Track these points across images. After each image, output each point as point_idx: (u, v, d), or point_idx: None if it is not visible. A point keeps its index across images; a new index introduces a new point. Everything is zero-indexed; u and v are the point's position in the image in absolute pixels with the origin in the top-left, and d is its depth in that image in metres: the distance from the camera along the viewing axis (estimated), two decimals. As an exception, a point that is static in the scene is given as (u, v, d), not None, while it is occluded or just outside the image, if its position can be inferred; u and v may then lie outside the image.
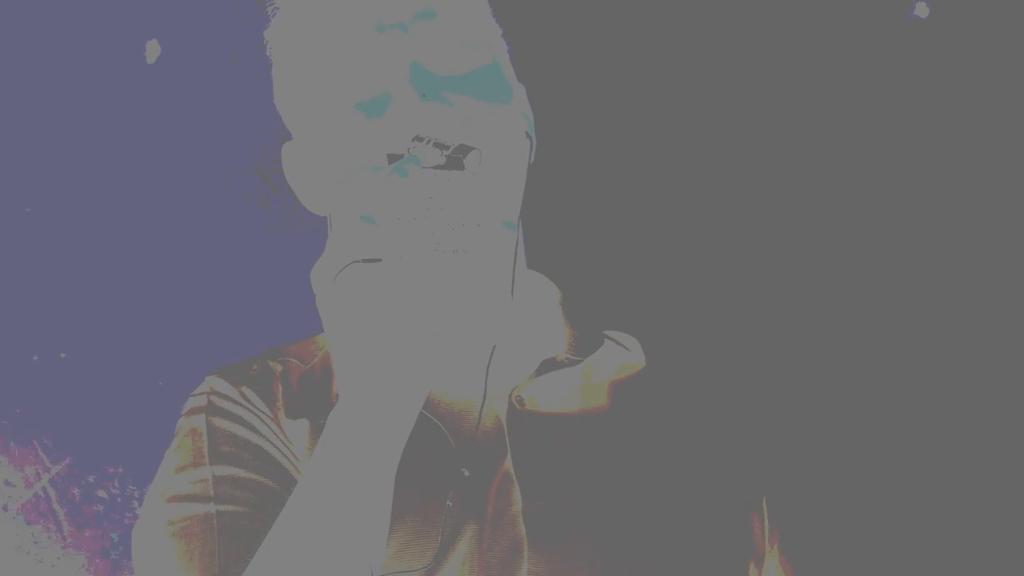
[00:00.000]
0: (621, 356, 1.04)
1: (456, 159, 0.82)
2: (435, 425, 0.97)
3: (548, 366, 1.00)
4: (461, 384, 0.97)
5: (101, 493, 1.57)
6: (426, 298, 0.78)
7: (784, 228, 1.50)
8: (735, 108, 1.51)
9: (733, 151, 1.51)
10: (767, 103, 1.51)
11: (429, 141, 0.83)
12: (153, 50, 1.58)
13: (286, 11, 0.97)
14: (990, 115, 1.49)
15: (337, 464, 0.80)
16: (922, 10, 1.49)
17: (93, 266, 1.58)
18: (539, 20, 1.51)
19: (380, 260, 0.78)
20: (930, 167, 1.50)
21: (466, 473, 0.93)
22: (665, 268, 1.48)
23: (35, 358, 1.58)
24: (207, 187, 1.57)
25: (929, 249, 1.49)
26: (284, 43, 0.97)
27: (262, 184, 1.56)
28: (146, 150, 1.57)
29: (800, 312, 1.50)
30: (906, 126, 1.50)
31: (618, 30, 1.53)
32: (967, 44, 1.49)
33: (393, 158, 0.84)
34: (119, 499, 1.57)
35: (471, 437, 0.95)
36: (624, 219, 1.50)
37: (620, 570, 0.90)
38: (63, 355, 1.58)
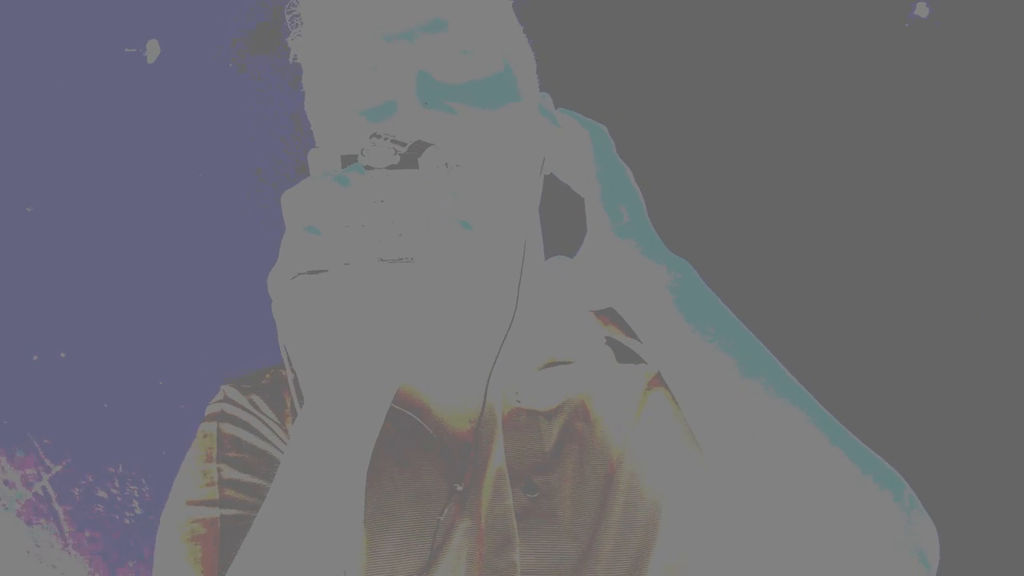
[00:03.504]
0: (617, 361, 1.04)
1: (411, 157, 0.81)
2: (432, 426, 0.99)
3: (556, 363, 1.01)
4: (463, 383, 0.99)
5: (101, 493, 1.57)
6: (370, 310, 0.79)
7: (783, 228, 1.50)
8: (735, 108, 1.51)
9: (733, 151, 1.51)
10: (767, 103, 1.51)
11: (386, 138, 0.82)
12: (153, 50, 1.58)
13: (304, 19, 1.00)
14: (990, 115, 1.49)
15: (304, 469, 0.82)
16: (922, 10, 1.49)
17: (93, 266, 1.58)
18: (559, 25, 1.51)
19: (325, 271, 0.79)
20: (930, 167, 1.50)
21: (459, 488, 0.94)
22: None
23: (35, 358, 1.58)
24: (207, 187, 1.58)
25: (929, 249, 1.49)
26: (303, 51, 1.00)
27: (262, 184, 1.56)
28: (146, 150, 1.58)
29: (803, 319, 1.50)
30: (906, 126, 1.50)
31: (618, 29, 1.53)
32: (967, 44, 1.49)
33: (347, 160, 0.82)
34: (119, 499, 1.57)
35: (467, 437, 0.97)
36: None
37: (606, 565, 0.91)
38: (63, 355, 1.58)
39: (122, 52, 1.58)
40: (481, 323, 0.97)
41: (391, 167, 0.80)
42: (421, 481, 0.95)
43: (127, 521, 1.57)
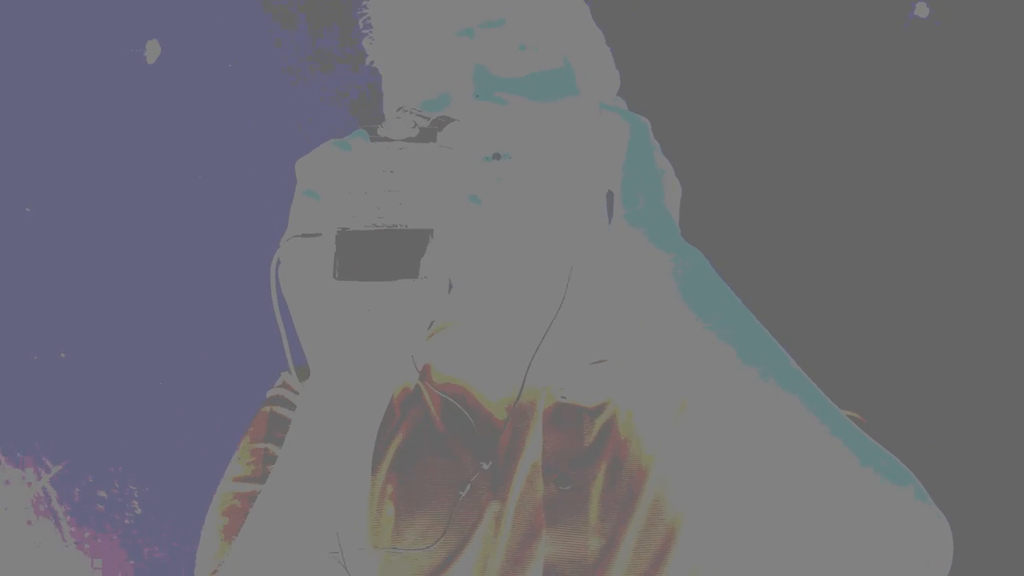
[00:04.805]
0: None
1: (430, 132, 0.81)
2: (473, 414, 1.00)
3: (605, 360, 1.02)
4: (508, 374, 1.00)
5: (101, 493, 1.57)
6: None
7: (783, 228, 1.50)
8: (735, 108, 1.51)
9: (733, 151, 1.51)
10: (767, 103, 1.51)
11: (411, 112, 0.82)
12: (153, 50, 1.58)
13: (373, 22, 1.03)
14: (990, 115, 1.49)
15: (308, 444, 0.84)
16: (922, 10, 1.49)
17: (93, 266, 1.58)
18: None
19: (319, 235, 0.79)
20: (930, 167, 1.50)
21: (485, 467, 0.95)
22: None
23: (35, 358, 1.58)
24: (207, 187, 1.58)
25: (929, 249, 1.49)
26: (376, 53, 1.04)
27: (262, 183, 1.56)
28: (146, 150, 1.58)
29: (805, 314, 1.50)
30: (906, 126, 1.50)
31: (619, 30, 1.53)
32: (967, 44, 1.49)
33: (370, 131, 0.83)
34: (119, 499, 1.57)
35: (502, 427, 0.99)
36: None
37: (627, 562, 0.92)
38: (63, 355, 1.58)
39: (122, 52, 1.58)
40: (529, 313, 0.98)
41: (408, 139, 0.80)
42: (459, 467, 0.97)
43: (127, 521, 1.57)
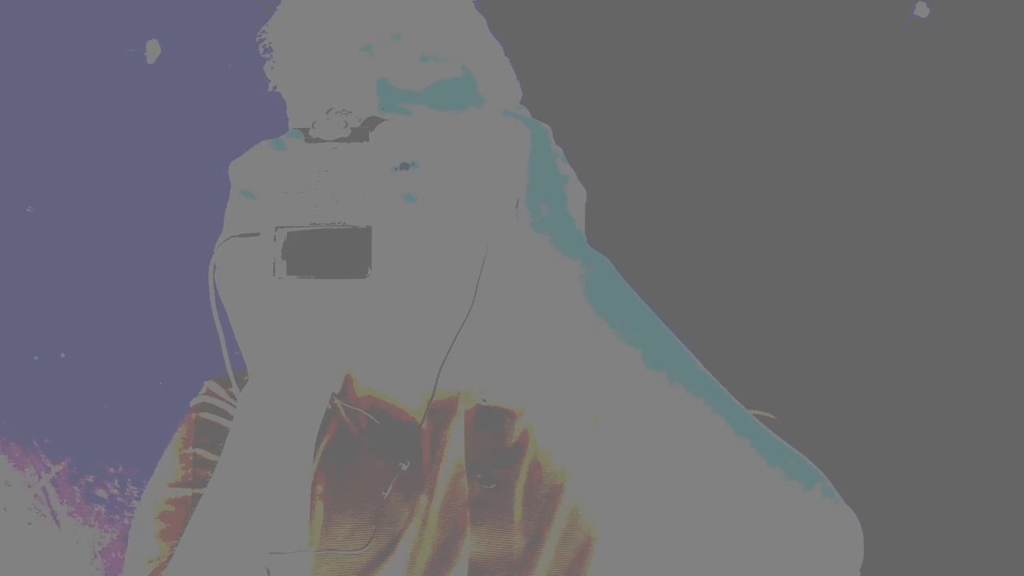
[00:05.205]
0: None
1: (362, 132, 0.82)
2: (392, 415, 1.02)
3: (527, 363, 1.04)
4: (423, 377, 1.01)
5: (101, 493, 1.57)
6: (295, 273, 0.80)
7: (784, 229, 1.50)
8: (735, 108, 1.51)
9: (733, 151, 1.51)
10: (767, 103, 1.51)
11: (340, 113, 0.83)
12: (153, 50, 1.58)
13: (273, 47, 1.05)
14: (990, 115, 1.49)
15: (250, 445, 0.86)
16: (922, 10, 1.49)
17: (93, 266, 1.58)
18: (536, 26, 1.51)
19: (257, 234, 0.80)
20: (930, 167, 1.50)
21: (404, 467, 0.97)
22: (672, 266, 1.48)
23: (35, 358, 1.58)
24: (207, 187, 1.58)
25: (929, 249, 1.49)
26: (277, 78, 1.06)
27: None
28: (146, 150, 1.58)
29: (798, 316, 1.50)
30: (906, 126, 1.50)
31: (618, 31, 1.53)
32: (967, 44, 1.49)
33: (304, 131, 0.83)
34: (119, 499, 1.57)
35: (427, 429, 1.01)
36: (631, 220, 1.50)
37: (550, 560, 0.94)
38: (63, 355, 1.58)
39: (122, 52, 1.58)
40: (445, 318, 0.99)
41: (340, 139, 0.81)
42: (385, 467, 0.98)
43: (127, 521, 1.57)
